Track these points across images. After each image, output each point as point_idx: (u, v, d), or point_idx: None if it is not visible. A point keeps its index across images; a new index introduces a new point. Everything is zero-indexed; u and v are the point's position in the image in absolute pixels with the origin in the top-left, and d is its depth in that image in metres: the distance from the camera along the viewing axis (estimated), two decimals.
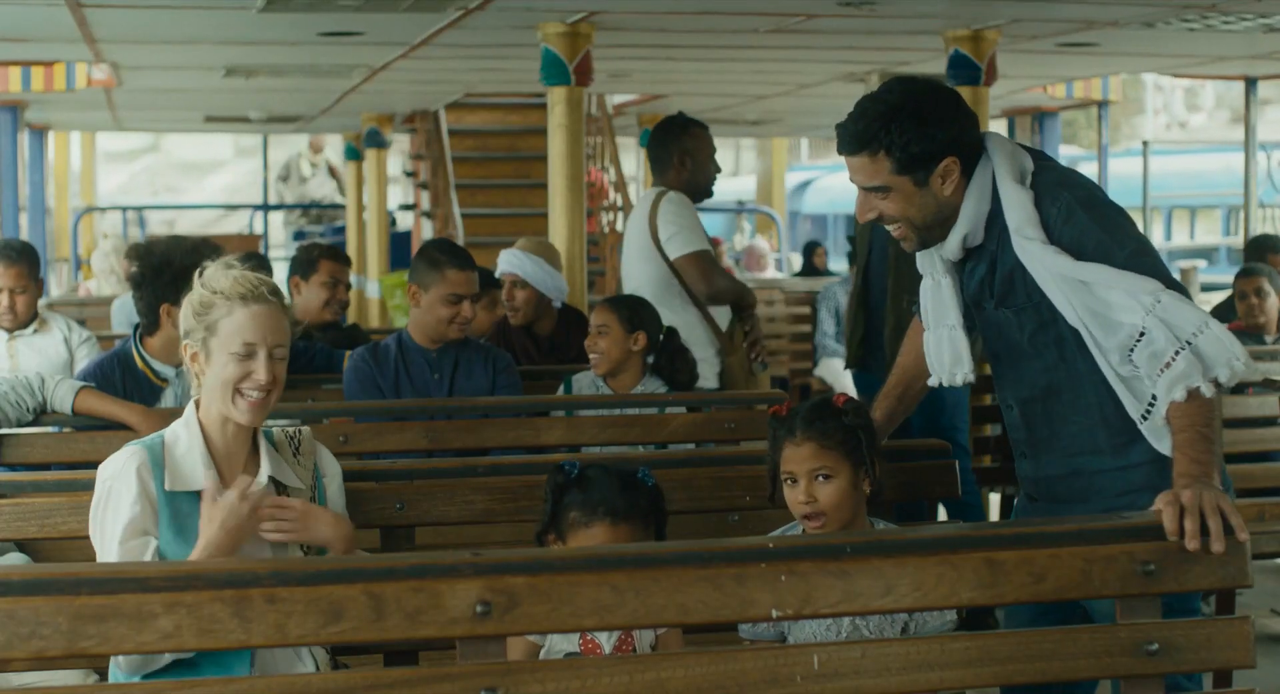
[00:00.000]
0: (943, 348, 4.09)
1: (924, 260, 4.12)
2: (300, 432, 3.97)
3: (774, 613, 3.19)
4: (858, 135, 3.87)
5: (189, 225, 29.36)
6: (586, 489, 3.92)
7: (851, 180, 3.96)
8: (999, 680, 3.29)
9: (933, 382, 4.19)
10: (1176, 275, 3.95)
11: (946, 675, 3.24)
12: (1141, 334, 3.69)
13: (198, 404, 3.81)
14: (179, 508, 3.69)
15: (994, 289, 3.95)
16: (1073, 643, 3.30)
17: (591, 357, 6.17)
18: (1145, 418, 3.78)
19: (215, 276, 3.78)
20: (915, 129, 3.82)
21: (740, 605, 3.19)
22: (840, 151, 3.94)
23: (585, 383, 6.25)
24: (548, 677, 3.10)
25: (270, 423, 4.07)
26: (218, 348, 3.72)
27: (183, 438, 3.77)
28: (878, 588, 3.23)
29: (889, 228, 3.98)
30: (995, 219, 3.90)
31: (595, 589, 3.12)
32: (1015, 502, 4.26)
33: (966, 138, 3.91)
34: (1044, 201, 3.85)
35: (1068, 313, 3.79)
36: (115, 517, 3.65)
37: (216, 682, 3.30)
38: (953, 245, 3.96)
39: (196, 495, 3.70)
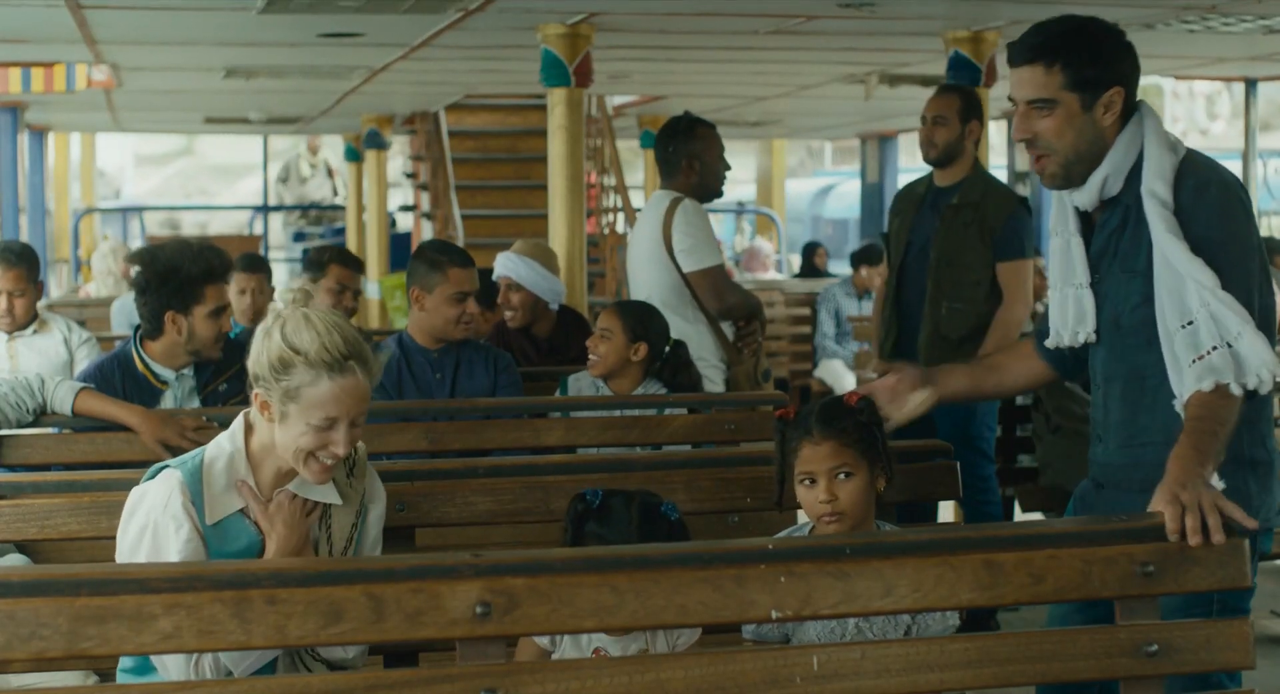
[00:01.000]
0: (1068, 306, 4.07)
1: (1057, 217, 4.12)
2: (357, 449, 3.86)
3: (774, 614, 3.19)
4: (1036, 46, 3.93)
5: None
6: (605, 522, 3.89)
7: (1015, 96, 3.99)
8: (999, 681, 3.29)
9: (1050, 343, 4.17)
10: None
11: (946, 677, 3.25)
12: (1190, 322, 3.73)
13: (248, 423, 3.72)
14: (223, 532, 3.65)
15: (1120, 244, 3.96)
16: (1072, 644, 3.30)
17: (590, 357, 6.16)
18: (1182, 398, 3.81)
19: (298, 331, 3.59)
20: (1093, 50, 3.91)
21: (740, 607, 3.19)
22: (1013, 63, 3.98)
23: (584, 384, 6.25)
24: (548, 678, 3.10)
25: None
26: (296, 414, 3.59)
27: (226, 453, 3.69)
28: (877, 589, 3.24)
29: (1035, 160, 4.00)
30: (1135, 174, 3.93)
31: (595, 590, 3.13)
32: (1079, 486, 4.24)
33: (1133, 79, 3.97)
34: (1187, 173, 3.89)
35: (1158, 279, 3.83)
36: (167, 553, 3.57)
37: (216, 683, 3.31)
38: (1092, 188, 3.96)
39: (237, 516, 3.67)
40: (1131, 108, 3.97)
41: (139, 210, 26.37)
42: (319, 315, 3.63)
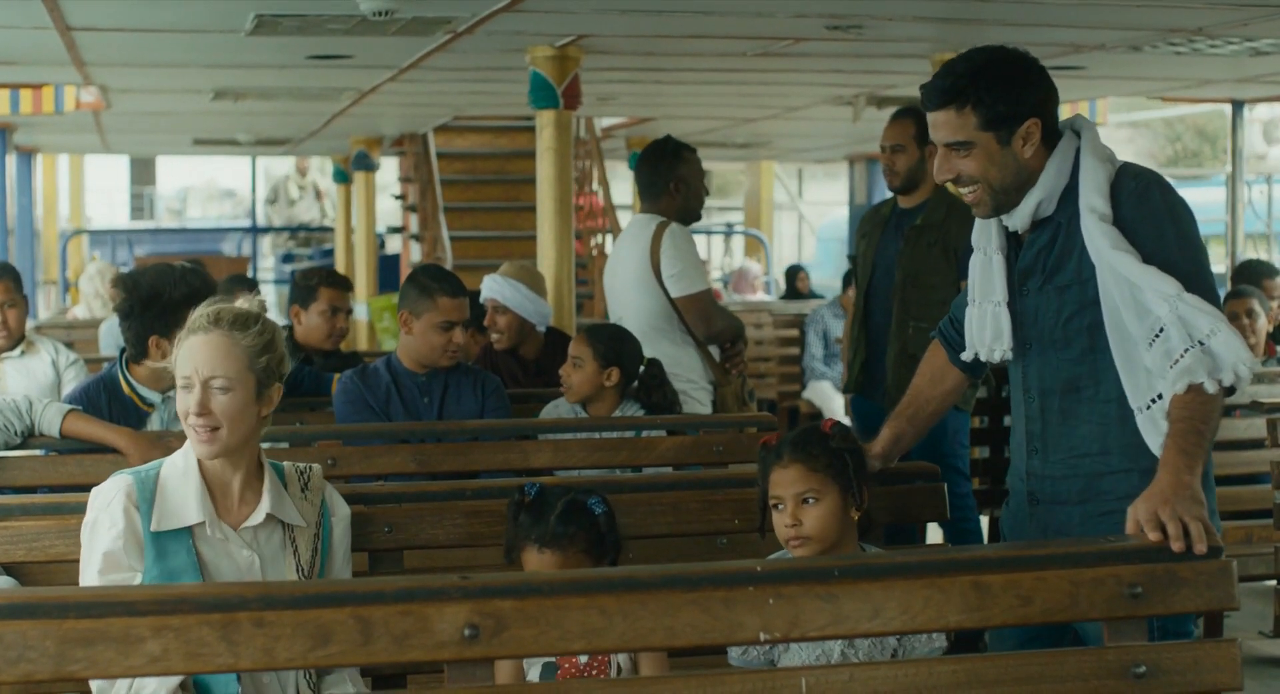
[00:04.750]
0: (985, 323, 4.11)
1: (980, 233, 4.16)
2: (310, 468, 3.96)
3: (761, 636, 3.19)
4: (945, 90, 3.94)
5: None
6: (531, 512, 4.00)
7: (933, 138, 4.02)
8: None
9: (967, 356, 4.23)
10: None
11: None
12: (1161, 330, 3.75)
13: None
14: (165, 546, 3.67)
15: (1049, 262, 3.99)
16: (1060, 665, 3.30)
17: (564, 385, 6.18)
18: (1142, 411, 3.83)
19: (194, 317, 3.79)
20: (1002, 86, 3.91)
21: (728, 629, 3.19)
22: (926, 107, 4.00)
23: (562, 410, 6.26)
24: None
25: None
26: (177, 384, 3.75)
27: (180, 469, 3.75)
28: (865, 611, 3.24)
29: (964, 192, 4.02)
30: (1070, 194, 3.95)
31: (583, 613, 3.12)
32: (1007, 504, 4.27)
33: (1049, 104, 3.98)
34: (1125, 177, 3.92)
35: (1110, 293, 3.84)
36: (95, 546, 3.66)
37: None
38: (1024, 212, 3.99)
39: (184, 532, 3.70)
40: (1055, 130, 3.99)
41: (129, 233, 26.34)
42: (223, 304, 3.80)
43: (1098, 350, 3.93)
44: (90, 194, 34.04)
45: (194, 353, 3.70)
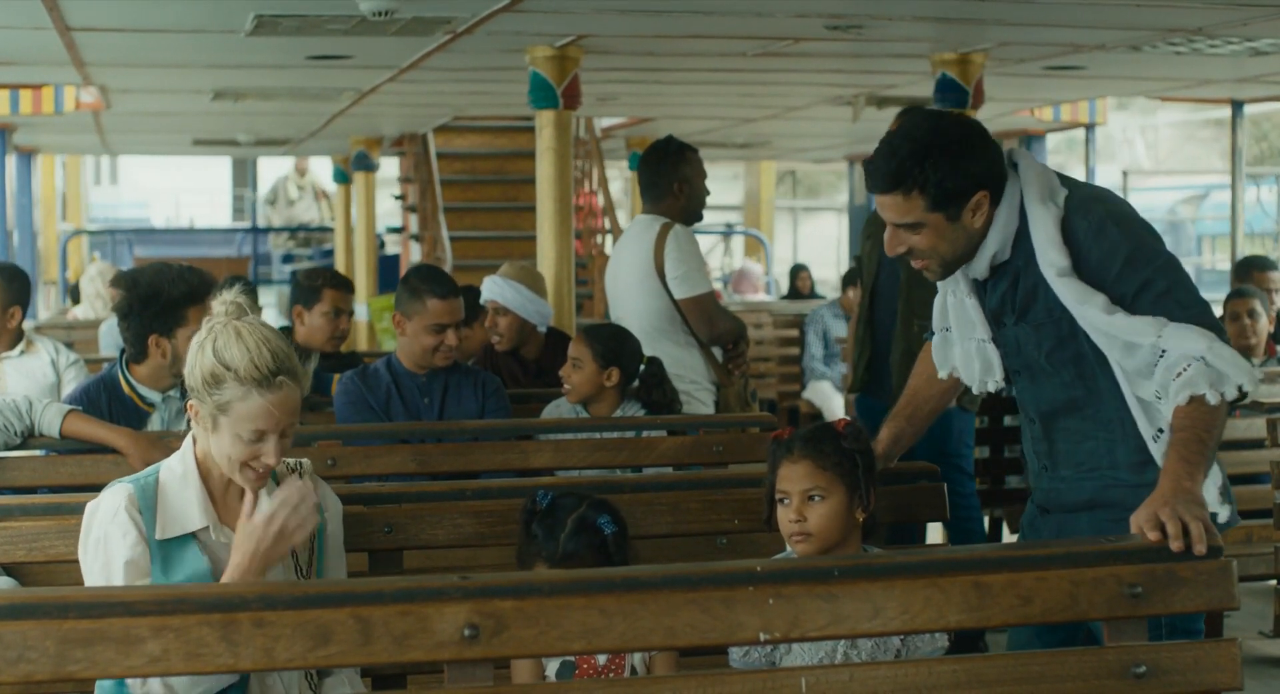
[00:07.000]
0: (972, 359, 4.13)
1: (946, 280, 4.15)
2: (301, 464, 3.91)
3: (761, 636, 3.19)
4: (890, 174, 3.87)
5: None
6: (543, 524, 3.99)
7: (882, 216, 3.97)
8: None
9: (943, 374, 4.26)
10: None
11: None
12: (1163, 353, 3.74)
13: (194, 438, 3.75)
14: (170, 554, 3.64)
15: (1015, 304, 3.99)
16: (1060, 665, 3.31)
17: (564, 386, 6.18)
18: (1156, 439, 3.83)
19: (228, 346, 3.60)
20: (948, 166, 3.84)
21: (728, 629, 3.19)
22: (872, 190, 3.95)
23: (563, 409, 6.26)
24: None
25: None
26: (226, 426, 3.61)
27: (178, 475, 3.72)
28: (865, 611, 3.24)
29: (915, 263, 3.99)
30: (1023, 236, 3.93)
31: (583, 613, 3.12)
32: (1024, 513, 4.29)
33: (996, 170, 3.92)
34: (1075, 216, 3.88)
35: (1097, 341, 3.85)
36: (116, 557, 3.59)
37: None
38: (981, 265, 3.99)
39: (189, 538, 3.68)
40: (1003, 186, 3.93)
41: (127, 232, 26.34)
42: (250, 330, 3.65)
43: (1086, 377, 3.94)
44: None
45: (272, 411, 3.60)
